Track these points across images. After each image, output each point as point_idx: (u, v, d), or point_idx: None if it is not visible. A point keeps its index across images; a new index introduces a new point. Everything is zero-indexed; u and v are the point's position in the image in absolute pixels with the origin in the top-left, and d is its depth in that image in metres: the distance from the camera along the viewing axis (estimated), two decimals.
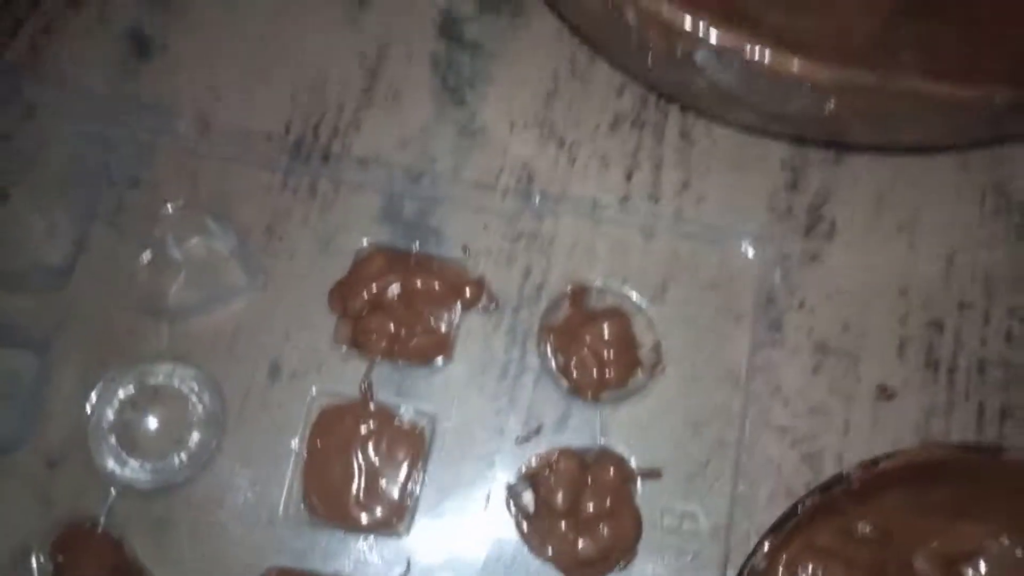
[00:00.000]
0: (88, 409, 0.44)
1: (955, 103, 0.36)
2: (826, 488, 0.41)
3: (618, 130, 0.52)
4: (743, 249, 0.49)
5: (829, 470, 0.47)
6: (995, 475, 0.41)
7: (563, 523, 0.44)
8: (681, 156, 0.51)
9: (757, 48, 0.34)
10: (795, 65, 0.34)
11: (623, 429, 0.46)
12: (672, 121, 0.52)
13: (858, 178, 0.51)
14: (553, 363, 0.46)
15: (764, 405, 0.47)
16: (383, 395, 0.46)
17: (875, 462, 0.41)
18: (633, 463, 0.45)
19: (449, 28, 0.53)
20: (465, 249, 0.48)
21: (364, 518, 0.44)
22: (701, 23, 0.34)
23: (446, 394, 0.46)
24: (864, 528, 0.42)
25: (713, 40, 0.34)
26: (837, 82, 0.35)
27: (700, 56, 0.36)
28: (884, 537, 0.42)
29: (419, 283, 0.46)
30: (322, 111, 0.51)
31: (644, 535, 0.45)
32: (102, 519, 0.43)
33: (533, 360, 0.47)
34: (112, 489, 0.44)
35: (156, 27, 0.52)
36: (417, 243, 0.48)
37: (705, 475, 0.46)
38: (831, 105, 0.37)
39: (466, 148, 0.51)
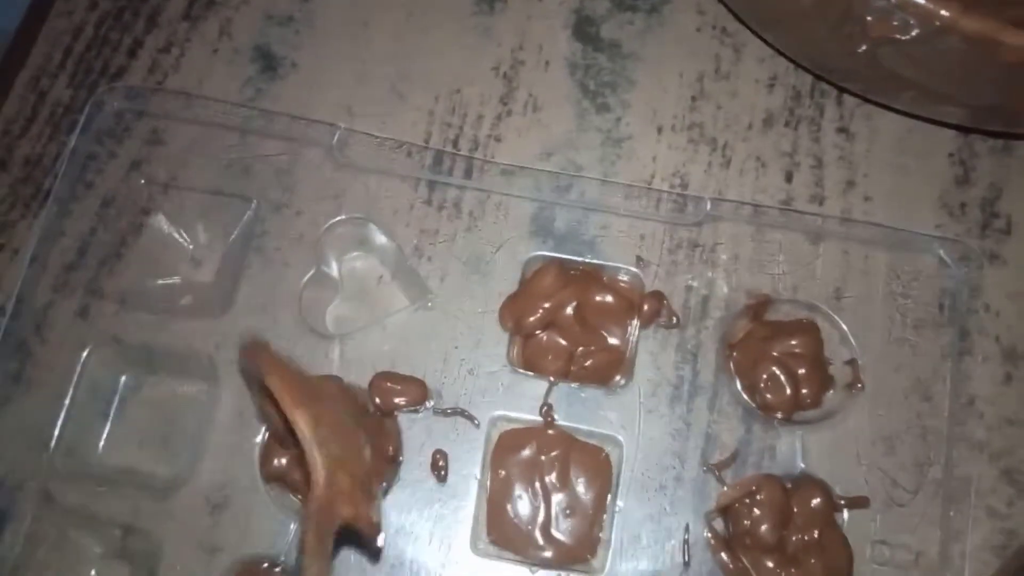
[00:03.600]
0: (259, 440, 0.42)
1: None
2: None
3: (772, 128, 0.49)
4: (931, 249, 0.45)
5: None
6: None
7: (770, 557, 0.40)
8: (842, 152, 0.49)
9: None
10: None
11: (822, 453, 0.43)
12: (828, 116, 0.49)
13: None
14: (738, 382, 0.43)
15: (959, 419, 0.43)
16: (562, 418, 0.43)
17: None
18: (837, 490, 0.42)
19: (583, 29, 0.51)
20: (640, 260, 0.45)
21: (554, 552, 0.41)
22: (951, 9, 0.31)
23: (628, 417, 0.43)
24: None
25: (964, 27, 0.31)
26: None
27: (937, 43, 0.33)
28: None
29: (596, 298, 0.43)
30: (460, 124, 0.49)
31: (855, 569, 0.41)
32: (282, 558, 0.40)
33: (707, 378, 0.44)
34: (292, 525, 0.41)
35: (284, 44, 0.50)
36: (590, 256, 0.45)
37: (915, 501, 0.42)
38: None
39: (613, 156, 0.48)
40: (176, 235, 0.45)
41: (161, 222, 0.45)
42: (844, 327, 0.44)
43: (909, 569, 0.41)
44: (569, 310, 0.43)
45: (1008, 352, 0.45)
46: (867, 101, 0.49)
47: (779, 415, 0.42)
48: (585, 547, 0.41)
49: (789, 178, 0.48)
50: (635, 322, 0.43)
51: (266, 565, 0.40)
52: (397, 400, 0.41)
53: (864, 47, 0.37)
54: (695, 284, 0.45)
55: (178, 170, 0.46)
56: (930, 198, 0.48)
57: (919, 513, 0.42)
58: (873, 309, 0.45)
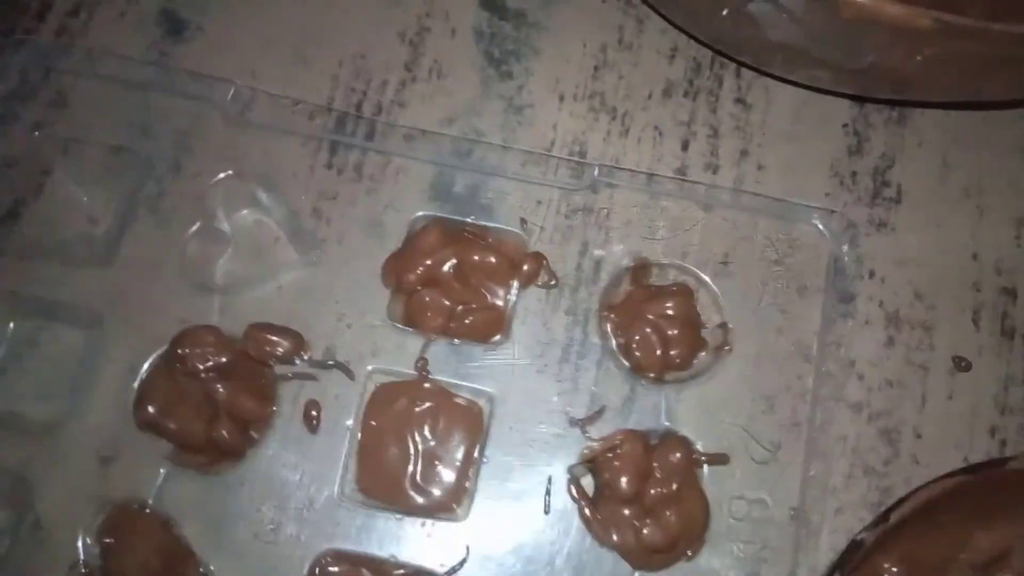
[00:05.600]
0: (136, 385, 0.43)
1: None
2: (842, 563, 0.39)
3: (671, 98, 0.50)
4: (809, 219, 0.46)
5: (907, 446, 0.45)
6: (1005, 484, 0.40)
7: (628, 509, 0.41)
8: (738, 123, 0.49)
9: None
10: (893, 10, 0.32)
11: (688, 411, 0.44)
12: (727, 87, 0.50)
13: (922, 140, 0.49)
14: (614, 342, 0.44)
15: (838, 381, 0.45)
16: (439, 373, 0.44)
17: (887, 515, 0.39)
18: (699, 447, 0.43)
19: None
20: (523, 222, 0.46)
21: (421, 501, 0.42)
22: None
23: (504, 374, 0.44)
24: (892, 569, 0.40)
25: None
26: (936, 28, 0.33)
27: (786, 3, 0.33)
28: (913, 569, 0.40)
29: (476, 257, 0.44)
30: (364, 89, 0.49)
31: (712, 523, 0.42)
32: (151, 501, 0.42)
33: (594, 340, 0.45)
34: (161, 470, 0.42)
35: (190, 8, 0.51)
36: (464, 210, 0.46)
37: (776, 459, 0.44)
38: (922, 55, 0.35)
39: (515, 123, 0.49)
40: (75, 194, 0.46)
41: (60, 181, 0.46)
42: (718, 292, 0.45)
43: (764, 524, 0.43)
44: (451, 268, 0.44)
45: (892, 317, 0.46)
46: (764, 73, 0.49)
47: (651, 375, 0.43)
48: (452, 497, 0.42)
49: (685, 147, 0.49)
50: (516, 282, 0.44)
51: (137, 507, 0.41)
52: (272, 349, 0.42)
53: (726, 10, 0.38)
54: (588, 249, 0.46)
55: (78, 129, 0.47)
56: (822, 167, 0.49)
57: (779, 471, 0.43)
58: (750, 276, 0.46)
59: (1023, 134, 0.49)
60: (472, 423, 0.43)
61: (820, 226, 0.46)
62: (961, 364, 0.46)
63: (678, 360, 0.44)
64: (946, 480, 0.40)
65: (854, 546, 0.39)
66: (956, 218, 0.48)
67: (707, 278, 0.46)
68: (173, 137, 0.47)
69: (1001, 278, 0.47)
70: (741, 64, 0.50)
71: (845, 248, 0.46)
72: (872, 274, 0.47)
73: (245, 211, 0.46)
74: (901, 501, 0.39)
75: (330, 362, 0.43)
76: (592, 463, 0.42)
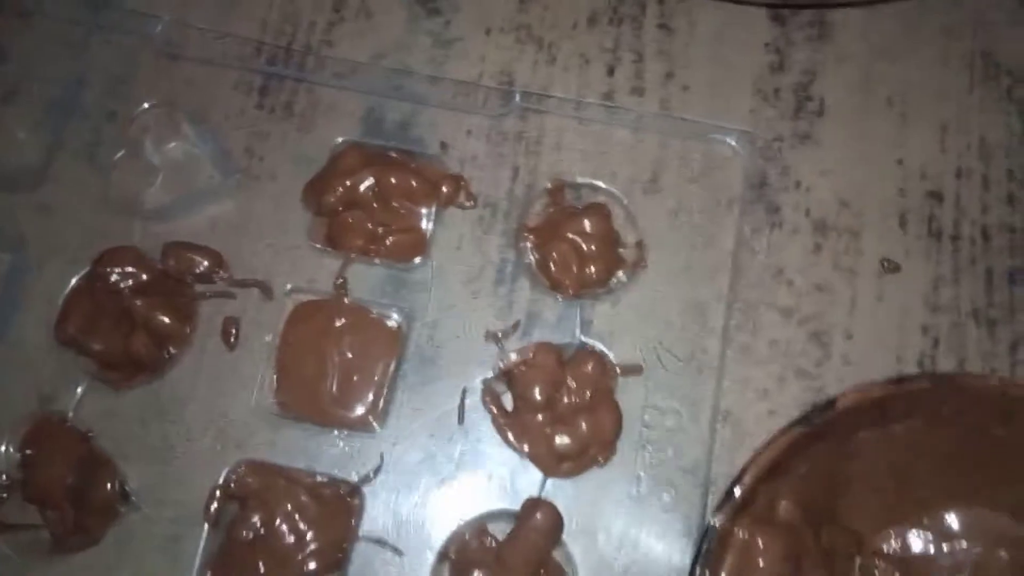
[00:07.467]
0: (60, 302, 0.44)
1: None
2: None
3: (596, 26, 0.51)
4: (725, 138, 0.47)
5: (838, 347, 0.45)
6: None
7: (540, 417, 0.42)
8: (661, 47, 0.50)
9: None
10: None
11: (605, 326, 0.45)
12: (650, 13, 0.51)
13: (843, 55, 0.50)
14: (533, 260, 0.45)
15: (767, 288, 0.46)
16: (360, 292, 0.45)
17: (731, 491, 0.38)
18: (613, 359, 0.44)
19: None
20: (443, 146, 0.46)
21: (337, 413, 0.43)
22: None
23: (422, 292, 0.45)
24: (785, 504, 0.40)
25: None
26: None
27: None
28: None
29: (394, 180, 0.44)
30: (293, 31, 0.50)
31: (625, 431, 0.43)
32: (71, 414, 0.43)
33: (515, 259, 0.46)
34: (80, 385, 0.43)
35: None
36: (394, 142, 0.47)
37: (692, 369, 0.45)
38: None
39: (443, 57, 0.50)
40: (13, 146, 0.47)
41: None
42: (636, 211, 0.46)
43: (677, 432, 0.44)
44: (370, 189, 0.44)
45: (818, 224, 0.47)
46: None
47: (569, 291, 0.44)
48: (368, 410, 0.43)
49: (611, 72, 0.49)
50: (435, 204, 0.45)
51: (57, 420, 0.43)
52: (189, 266, 0.43)
53: None
54: (518, 174, 0.47)
55: (18, 81, 0.48)
56: (745, 85, 0.49)
57: (694, 381, 0.44)
58: (668, 195, 0.47)
59: (944, 45, 0.50)
60: (389, 339, 0.44)
61: (735, 145, 0.47)
62: (889, 266, 0.46)
63: (595, 277, 0.44)
64: (782, 438, 0.39)
65: (710, 531, 0.39)
66: (880, 127, 0.49)
67: (625, 199, 0.47)
68: (106, 77, 0.48)
69: (927, 182, 0.48)
70: None
71: (765, 162, 0.47)
72: (798, 185, 0.47)
73: (172, 142, 0.47)
74: (743, 472, 0.38)
75: (249, 280, 0.44)
76: (506, 375, 0.43)
